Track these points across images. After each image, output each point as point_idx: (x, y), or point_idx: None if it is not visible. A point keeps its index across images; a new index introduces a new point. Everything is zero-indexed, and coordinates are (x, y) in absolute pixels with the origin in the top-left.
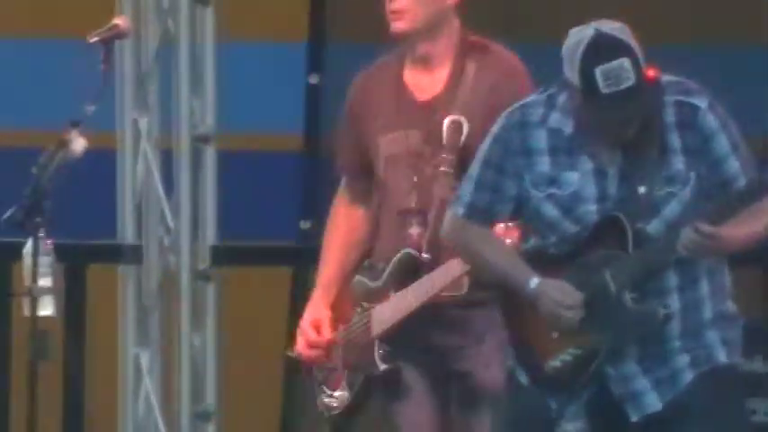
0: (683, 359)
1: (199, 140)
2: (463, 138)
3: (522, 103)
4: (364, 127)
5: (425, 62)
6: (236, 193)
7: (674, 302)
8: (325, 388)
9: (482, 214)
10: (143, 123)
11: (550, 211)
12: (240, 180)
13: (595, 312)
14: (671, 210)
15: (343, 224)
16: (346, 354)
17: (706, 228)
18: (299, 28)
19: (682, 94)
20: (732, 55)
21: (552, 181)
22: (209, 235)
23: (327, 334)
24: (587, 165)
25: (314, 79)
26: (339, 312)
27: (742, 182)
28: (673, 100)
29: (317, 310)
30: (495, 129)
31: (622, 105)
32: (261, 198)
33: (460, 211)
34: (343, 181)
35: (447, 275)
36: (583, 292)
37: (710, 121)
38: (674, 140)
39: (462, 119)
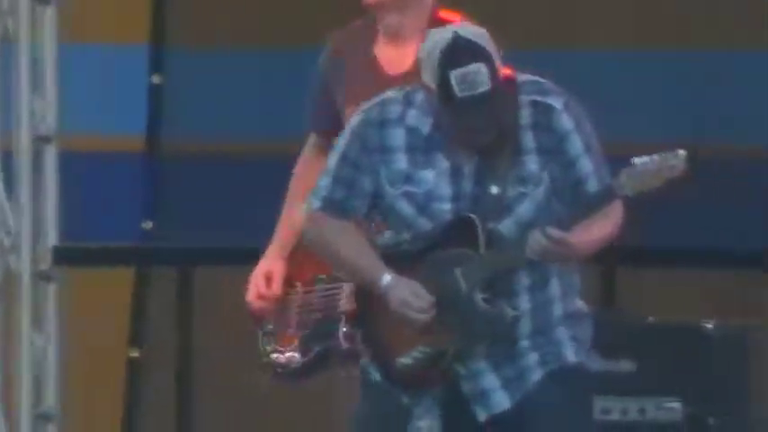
0: (532, 357)
1: (40, 141)
2: None
3: (380, 99)
4: (334, 91)
5: (395, 35)
6: (78, 193)
7: (525, 302)
8: (274, 342)
9: (338, 209)
10: None
11: (405, 208)
12: (82, 181)
13: (446, 311)
14: (524, 210)
15: (307, 180)
16: (303, 316)
17: (555, 232)
18: (140, 29)
19: (538, 93)
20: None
21: (408, 178)
22: (51, 236)
23: (278, 288)
24: (443, 163)
25: (156, 80)
26: (296, 269)
27: (593, 183)
28: (528, 99)
29: (270, 261)
30: (353, 123)
31: (477, 110)
32: (103, 199)
33: (316, 204)
34: (311, 138)
35: None
36: (434, 290)
37: (565, 120)
38: (529, 141)
39: None
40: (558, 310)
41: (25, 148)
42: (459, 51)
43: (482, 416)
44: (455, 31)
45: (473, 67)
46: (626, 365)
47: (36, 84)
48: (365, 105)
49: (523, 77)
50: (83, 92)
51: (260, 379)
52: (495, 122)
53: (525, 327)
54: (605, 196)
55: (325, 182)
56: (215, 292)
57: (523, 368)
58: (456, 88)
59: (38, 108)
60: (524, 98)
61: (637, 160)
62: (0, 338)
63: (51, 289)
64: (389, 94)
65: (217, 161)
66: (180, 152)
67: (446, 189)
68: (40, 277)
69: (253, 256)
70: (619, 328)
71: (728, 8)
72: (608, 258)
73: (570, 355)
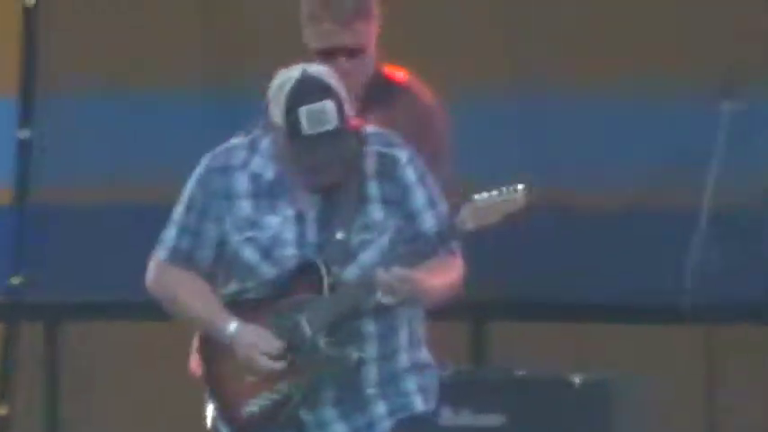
0: (381, 407)
1: None
2: None
3: (225, 146)
4: None
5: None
6: None
7: (372, 350)
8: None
9: (183, 258)
10: None
11: (250, 254)
12: None
13: (291, 356)
14: (367, 257)
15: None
16: None
17: (397, 269)
18: (9, 82)
19: (384, 145)
20: None
21: (253, 224)
22: None
23: None
24: (288, 210)
25: (24, 134)
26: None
27: (438, 243)
28: (375, 150)
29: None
30: (198, 171)
31: (324, 147)
32: None
33: (162, 255)
34: None
35: None
36: (280, 336)
37: (409, 173)
38: (374, 189)
39: None
40: (404, 360)
41: None
42: (307, 88)
43: None
44: (303, 69)
45: (321, 104)
46: (495, 419)
47: None
48: (210, 153)
49: (371, 129)
50: None
51: None
52: (341, 160)
53: (372, 374)
54: (446, 233)
55: (170, 232)
56: (85, 348)
57: (373, 417)
58: (304, 124)
59: None
60: (370, 148)
61: (477, 196)
62: None
63: None
64: (234, 141)
65: (87, 213)
66: (48, 205)
67: (290, 234)
68: None
69: (123, 310)
70: (488, 383)
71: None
72: (477, 312)
73: (419, 404)
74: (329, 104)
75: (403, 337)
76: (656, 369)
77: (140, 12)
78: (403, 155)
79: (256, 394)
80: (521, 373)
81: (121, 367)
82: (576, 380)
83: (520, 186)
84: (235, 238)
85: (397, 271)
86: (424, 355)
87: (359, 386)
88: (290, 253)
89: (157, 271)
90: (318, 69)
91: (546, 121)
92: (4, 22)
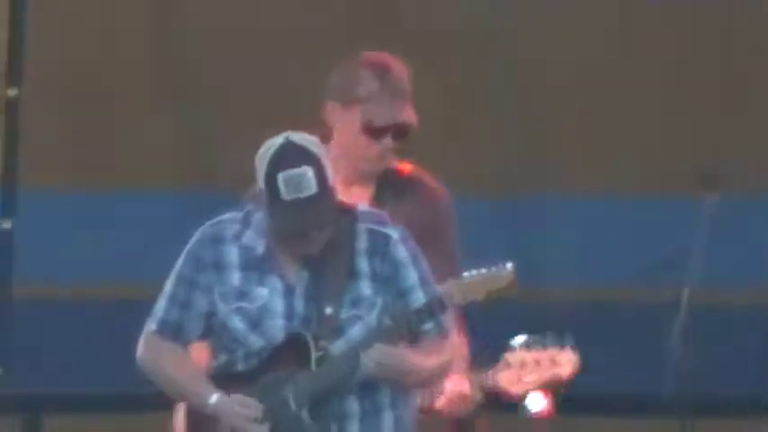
0: None
1: None
2: None
3: (219, 218)
4: None
5: (357, 177)
6: None
7: (354, 428)
8: None
9: (172, 330)
10: None
11: (237, 323)
12: None
13: (276, 430)
14: (355, 332)
15: None
16: None
17: (383, 346)
18: None
19: (375, 223)
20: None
21: (242, 295)
22: None
23: None
24: (277, 284)
25: (6, 224)
26: None
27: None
28: (365, 227)
29: None
30: (189, 244)
31: (303, 213)
32: None
33: (152, 327)
34: None
35: None
36: (265, 410)
37: (401, 251)
38: (364, 266)
39: None
40: None
41: None
42: (287, 155)
43: None
44: (286, 137)
45: (300, 170)
46: None
47: None
48: (203, 225)
49: (363, 208)
50: None
51: None
52: (319, 227)
53: None
54: (433, 306)
55: (161, 304)
56: None
57: None
58: (283, 190)
59: None
60: (362, 226)
61: (465, 273)
62: None
63: None
64: (228, 215)
65: (69, 306)
66: (31, 297)
67: (279, 306)
68: None
69: (103, 403)
70: None
71: None
72: None
73: None
74: (309, 171)
75: (387, 420)
76: None
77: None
78: (395, 233)
79: None
80: None
81: None
82: None
83: (509, 265)
84: (223, 309)
85: (383, 347)
86: None
87: None
88: (278, 324)
89: (146, 342)
90: (302, 137)
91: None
92: None
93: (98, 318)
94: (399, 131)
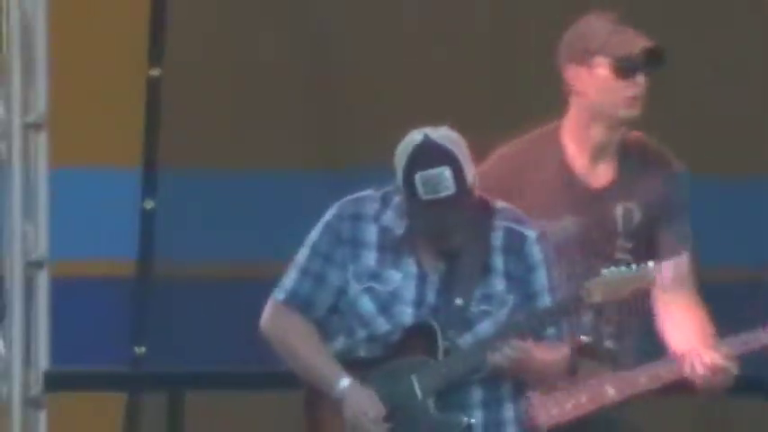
0: None
1: (32, 266)
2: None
3: (357, 195)
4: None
5: (603, 150)
6: (70, 318)
7: (478, 417)
8: None
9: (302, 302)
10: None
11: (367, 304)
12: (74, 306)
13: (399, 418)
14: (484, 328)
15: None
16: None
17: (515, 342)
18: (133, 153)
19: (513, 221)
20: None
21: (375, 276)
22: (42, 360)
23: None
24: (411, 268)
25: (148, 204)
26: None
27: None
28: (503, 225)
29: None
30: (327, 217)
31: (440, 213)
32: (95, 324)
33: (281, 296)
34: None
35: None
36: (389, 397)
37: (536, 252)
38: (499, 263)
39: (635, 206)
40: None
41: (17, 274)
42: (425, 154)
43: None
44: (425, 134)
45: (437, 170)
46: None
47: (28, 209)
48: (341, 201)
49: (501, 204)
50: (75, 217)
51: None
52: (457, 227)
53: None
54: (570, 305)
55: (291, 275)
56: (207, 418)
57: None
58: (420, 190)
59: (30, 233)
60: (499, 223)
61: (605, 270)
62: None
63: (42, 415)
64: (368, 192)
65: (209, 285)
66: (172, 276)
67: (410, 292)
68: (30, 404)
69: (244, 382)
70: None
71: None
72: None
73: None
74: (446, 171)
75: (509, 411)
76: None
77: (260, 92)
78: (532, 233)
79: None
80: None
81: None
82: None
83: (650, 263)
84: (355, 288)
85: (513, 342)
86: None
87: None
88: (407, 310)
89: (272, 312)
90: (441, 134)
91: None
92: (129, 93)
93: (237, 297)
94: (653, 57)
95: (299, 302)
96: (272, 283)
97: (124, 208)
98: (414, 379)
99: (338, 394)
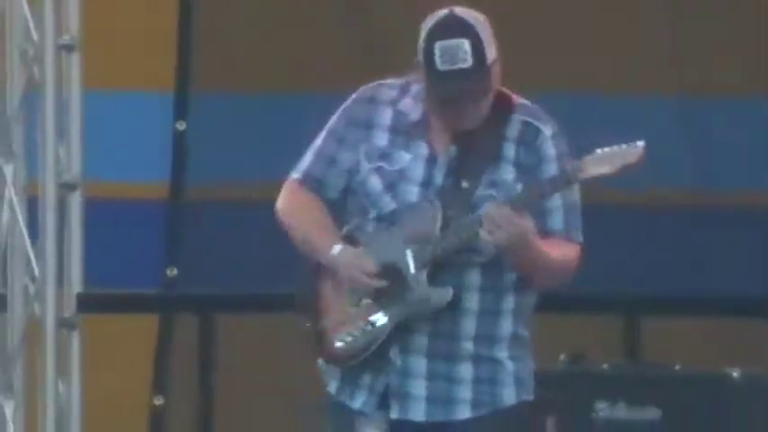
0: (466, 391)
1: (65, 188)
2: None
3: (378, 82)
4: None
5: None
6: (103, 240)
7: (473, 302)
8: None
9: (315, 182)
10: (8, 170)
11: (375, 182)
12: (106, 228)
13: (391, 287)
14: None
15: None
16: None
17: (507, 209)
18: (165, 76)
19: (531, 116)
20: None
21: (384, 155)
22: (75, 282)
23: None
24: (422, 150)
25: (180, 126)
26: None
27: (558, 220)
28: (521, 119)
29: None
30: (346, 103)
31: (454, 83)
32: (127, 246)
33: (296, 176)
34: None
35: None
36: (383, 269)
37: (549, 147)
38: (510, 152)
39: None
40: (506, 326)
41: (50, 195)
42: (447, 25)
43: (394, 413)
44: (451, 9)
45: (457, 41)
46: (651, 413)
47: (61, 131)
48: (362, 87)
49: (521, 101)
50: (107, 139)
51: None
52: (471, 99)
53: (470, 327)
54: (559, 179)
55: (307, 157)
56: (238, 339)
57: (454, 396)
58: (438, 60)
59: (63, 155)
60: (517, 116)
61: (598, 150)
62: (23, 385)
63: (75, 336)
64: (389, 80)
65: (241, 207)
66: (204, 199)
67: (418, 173)
68: (64, 324)
69: (276, 303)
70: (644, 377)
71: None
72: (630, 307)
73: (509, 396)
74: (465, 43)
75: (508, 302)
76: None
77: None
78: (548, 129)
79: (352, 324)
80: (678, 367)
81: (273, 357)
82: (735, 375)
83: (640, 143)
84: (365, 167)
85: (507, 210)
86: (526, 333)
87: (454, 337)
88: (413, 189)
89: (287, 190)
90: (466, 10)
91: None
92: (161, 18)
93: (269, 219)
94: None
95: (312, 182)
96: None
97: (156, 131)
98: (409, 251)
99: (332, 260)
